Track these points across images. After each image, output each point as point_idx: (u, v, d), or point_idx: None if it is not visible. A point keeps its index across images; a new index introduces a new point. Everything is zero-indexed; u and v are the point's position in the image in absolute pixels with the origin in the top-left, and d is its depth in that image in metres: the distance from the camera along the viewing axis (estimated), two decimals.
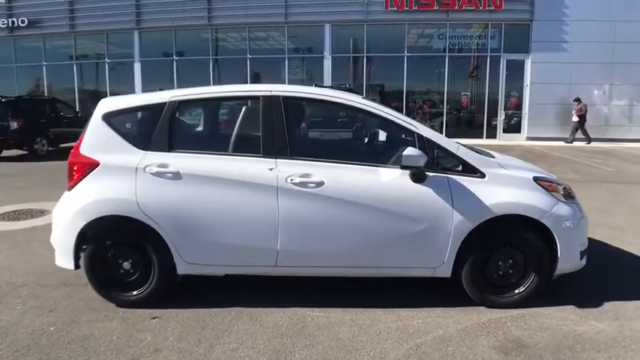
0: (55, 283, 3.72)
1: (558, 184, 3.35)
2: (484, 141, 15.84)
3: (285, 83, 16.58)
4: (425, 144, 3.12)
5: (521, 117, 16.82)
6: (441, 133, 16.72)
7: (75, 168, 3.25)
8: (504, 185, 3.17)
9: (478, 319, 3.14)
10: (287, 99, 3.23)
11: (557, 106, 16.09)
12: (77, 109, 14.16)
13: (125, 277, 3.27)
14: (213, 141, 3.60)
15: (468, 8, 15.88)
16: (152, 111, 3.31)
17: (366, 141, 3.68)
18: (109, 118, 3.29)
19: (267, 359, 2.65)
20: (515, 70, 16.60)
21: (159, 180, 3.12)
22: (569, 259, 3.26)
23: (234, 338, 2.87)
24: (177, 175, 3.10)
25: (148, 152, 3.18)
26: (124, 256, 3.25)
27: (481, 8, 15.83)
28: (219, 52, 17.23)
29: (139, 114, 3.50)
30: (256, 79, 16.95)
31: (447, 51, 16.74)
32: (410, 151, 2.95)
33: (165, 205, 3.10)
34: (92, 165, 3.19)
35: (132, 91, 16.96)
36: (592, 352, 2.73)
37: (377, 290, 3.55)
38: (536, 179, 3.27)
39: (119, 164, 3.17)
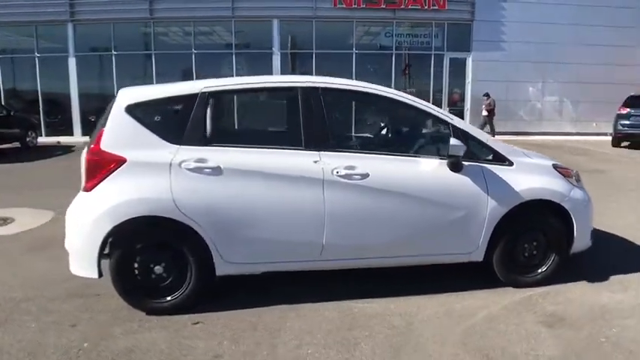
0: (63, 295, 3.44)
1: (571, 170, 3.67)
2: None
3: None
4: (459, 134, 3.28)
5: (463, 112, 17.78)
6: None
7: (96, 166, 3.00)
8: (530, 172, 3.43)
9: (512, 298, 3.36)
10: (325, 90, 3.25)
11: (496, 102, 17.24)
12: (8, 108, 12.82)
13: (157, 282, 3.11)
14: (250, 134, 3.51)
15: (414, 7, 16.54)
16: (183, 102, 3.16)
17: (403, 132, 3.78)
18: (134, 110, 3.07)
19: (336, 352, 2.67)
20: (458, 68, 17.56)
21: (197, 176, 2.99)
22: (582, 239, 3.59)
23: (291, 336, 2.85)
24: (217, 171, 2.99)
25: (182, 147, 3.03)
26: (156, 259, 3.08)
27: (426, 7, 16.55)
28: (161, 46, 16.48)
29: (168, 106, 3.31)
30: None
31: (394, 49, 17.32)
32: (454, 141, 3.10)
33: (205, 202, 2.99)
34: (118, 162, 2.98)
35: (67, 88, 15.79)
36: (622, 320, 3.05)
37: (407, 278, 3.63)
38: (554, 166, 3.56)
39: (150, 160, 2.99)
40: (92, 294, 3.41)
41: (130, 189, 2.96)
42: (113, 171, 2.97)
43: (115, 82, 15.38)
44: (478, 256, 3.42)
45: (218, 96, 3.21)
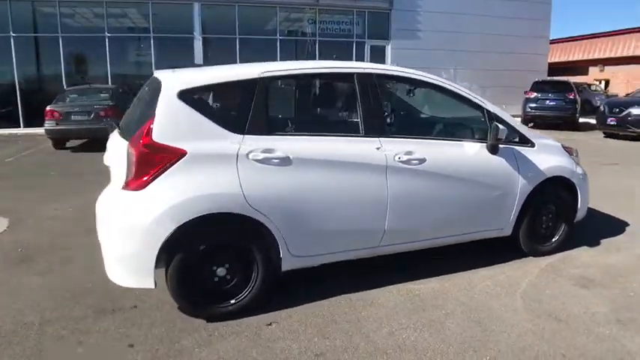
0: (91, 312, 3.04)
1: (573, 148, 4.13)
2: None
3: (151, 65, 15.33)
4: (494, 118, 3.51)
5: None
6: None
7: (150, 160, 2.68)
8: (548, 152, 3.81)
9: (538, 266, 3.73)
10: (380, 76, 3.26)
11: None
12: None
13: (220, 285, 2.91)
14: (310, 121, 3.38)
15: None
16: (241, 88, 2.95)
17: (447, 117, 3.90)
18: (188, 97, 2.80)
19: (429, 334, 2.76)
20: (378, 55, 18.26)
21: (266, 167, 2.83)
22: (583, 209, 4.09)
23: (376, 324, 2.88)
24: (285, 161, 2.86)
25: (246, 136, 2.83)
26: (219, 260, 2.89)
27: None
28: (69, 29, 14.78)
29: (225, 91, 3.05)
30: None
31: (317, 35, 17.48)
32: (499, 125, 3.32)
33: (274, 194, 2.85)
34: (177, 155, 2.70)
35: None
36: (634, 275, 3.56)
37: (434, 259, 3.74)
38: (562, 146, 3.98)
39: (214, 152, 2.76)
40: (126, 307, 3.10)
41: (193, 184, 2.71)
42: (171, 165, 2.69)
43: (14, 68, 13.53)
44: (508, 231, 3.73)
45: (277, 81, 3.05)
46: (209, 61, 15.81)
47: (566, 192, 3.93)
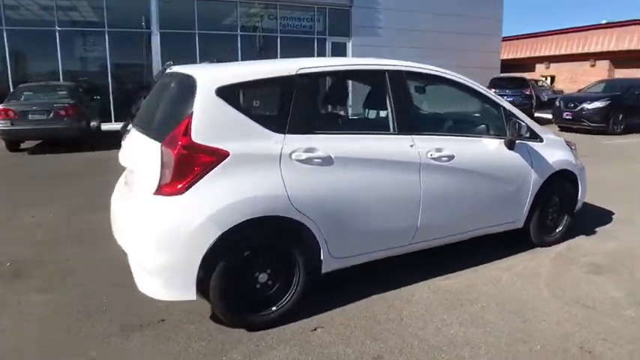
0: (117, 331, 2.81)
1: (572, 142, 4.34)
2: None
3: (106, 60, 14.63)
4: (510, 115, 3.63)
5: None
6: None
7: (190, 162, 2.53)
8: (554, 147, 4.00)
9: (548, 256, 3.92)
10: (409, 74, 3.28)
11: None
12: None
13: (261, 292, 2.82)
14: (344, 119, 3.32)
15: None
16: (279, 85, 2.85)
17: (470, 114, 3.95)
18: (227, 94, 2.65)
19: (476, 328, 2.82)
20: (339, 52, 18.37)
21: (308, 167, 2.76)
22: (582, 200, 4.33)
23: (421, 321, 2.89)
24: (327, 160, 2.81)
25: (287, 136, 2.75)
26: (261, 266, 2.79)
27: None
28: (14, 22, 13.74)
29: (263, 88, 2.95)
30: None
31: (279, 32, 17.32)
32: (520, 122, 3.44)
33: (317, 195, 2.79)
34: (220, 156, 2.57)
35: None
36: (636, 259, 3.81)
37: (445, 255, 3.80)
38: (564, 140, 4.18)
39: (257, 152, 2.66)
40: (154, 321, 2.92)
41: (238, 187, 2.60)
42: (213, 167, 2.56)
43: None
44: (521, 223, 3.89)
45: (314, 78, 2.97)
46: (168, 57, 15.26)
47: (569, 184, 4.14)
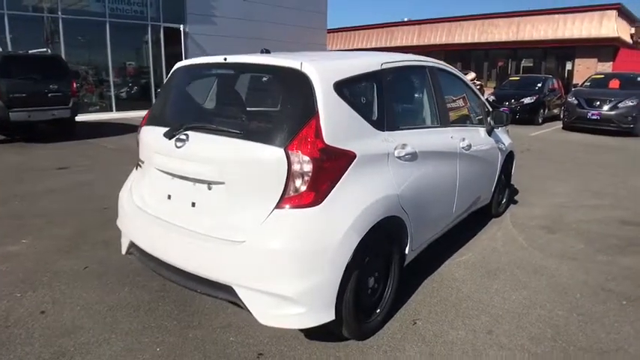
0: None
1: None
2: None
3: None
4: (489, 107, 4.27)
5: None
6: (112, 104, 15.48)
7: (327, 168, 2.29)
8: (503, 132, 4.84)
9: (505, 225, 4.71)
10: (439, 70, 3.59)
11: None
12: None
13: (370, 297, 2.70)
14: (416, 114, 3.39)
15: None
16: (371, 80, 2.76)
17: (469, 107, 4.25)
18: (342, 90, 2.46)
19: (518, 292, 3.26)
20: (174, 40, 17.28)
21: (404, 163, 2.79)
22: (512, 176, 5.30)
23: (478, 292, 3.23)
24: (414, 155, 2.88)
25: (386, 132, 2.70)
26: (371, 270, 2.65)
27: None
28: None
29: (362, 83, 2.74)
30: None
31: (107, 16, 15.34)
32: (503, 113, 4.12)
33: (412, 191, 2.83)
34: (350, 158, 2.40)
35: None
36: (567, 220, 4.90)
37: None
38: None
39: (373, 152, 2.57)
40: (214, 326, 2.57)
41: (365, 190, 2.46)
42: (344, 171, 2.37)
43: None
44: (488, 200, 4.58)
45: (395, 72, 2.97)
46: None
47: (509, 161, 5.03)
